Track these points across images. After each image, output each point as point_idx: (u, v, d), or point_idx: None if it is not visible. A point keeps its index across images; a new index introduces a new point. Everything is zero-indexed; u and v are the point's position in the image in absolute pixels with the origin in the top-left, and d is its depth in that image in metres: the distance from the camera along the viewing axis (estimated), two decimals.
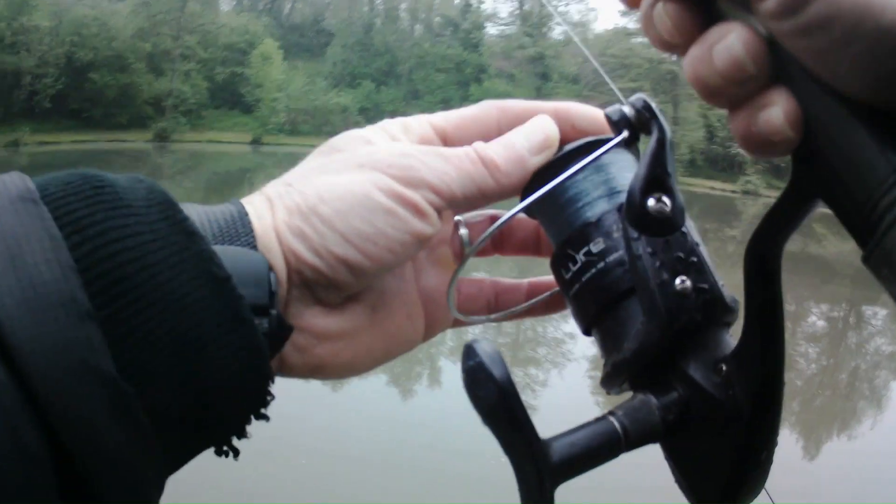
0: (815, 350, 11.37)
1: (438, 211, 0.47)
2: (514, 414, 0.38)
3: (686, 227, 0.44)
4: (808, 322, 13.53)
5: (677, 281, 0.42)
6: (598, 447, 0.41)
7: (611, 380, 0.46)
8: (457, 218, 0.56)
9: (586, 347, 9.02)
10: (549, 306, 0.58)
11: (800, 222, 0.36)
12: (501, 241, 0.59)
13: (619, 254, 0.45)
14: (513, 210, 0.49)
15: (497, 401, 0.37)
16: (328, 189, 0.45)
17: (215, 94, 38.91)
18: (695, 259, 0.43)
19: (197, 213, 0.44)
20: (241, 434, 0.42)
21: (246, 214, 0.45)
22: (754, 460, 0.41)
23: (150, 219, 0.38)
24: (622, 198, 0.45)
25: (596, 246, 0.46)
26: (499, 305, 0.58)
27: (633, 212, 0.43)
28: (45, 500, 0.32)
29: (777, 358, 0.39)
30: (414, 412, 7.02)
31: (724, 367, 0.41)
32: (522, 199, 0.50)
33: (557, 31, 44.68)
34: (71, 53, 32.83)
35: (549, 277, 0.54)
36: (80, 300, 0.34)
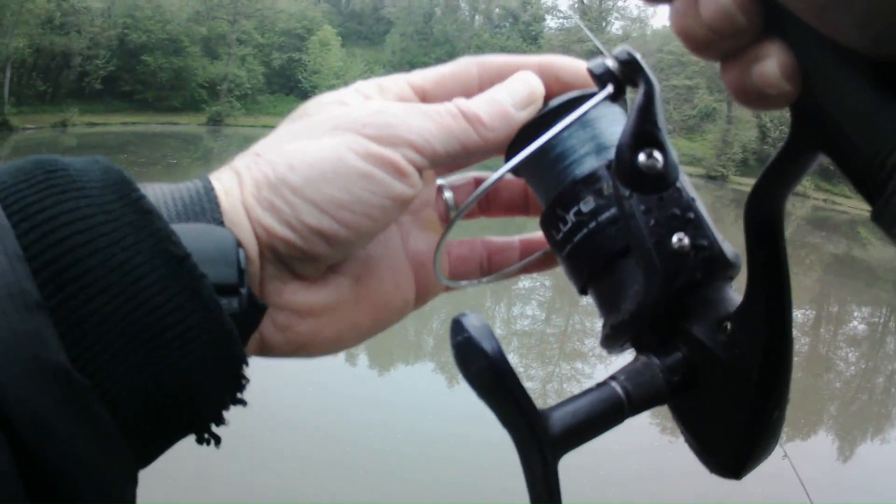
0: (854, 354, 11.38)
1: (419, 170, 0.44)
2: (508, 386, 0.36)
3: (680, 183, 0.42)
4: (849, 325, 13.53)
5: (674, 239, 0.41)
6: (600, 414, 0.40)
7: (610, 341, 0.45)
8: (439, 181, 0.55)
9: None
10: (543, 263, 0.56)
11: (801, 177, 0.35)
12: (488, 203, 0.57)
13: (612, 212, 0.44)
14: (501, 169, 0.46)
15: (489, 374, 0.36)
16: (298, 156, 0.43)
17: (271, 79, 39.37)
18: (691, 215, 0.42)
19: (161, 191, 0.42)
20: (219, 421, 0.40)
21: (212, 189, 0.42)
22: (766, 420, 0.39)
23: (104, 200, 0.36)
24: (611, 154, 0.44)
25: (586, 205, 0.45)
26: (492, 265, 0.56)
27: (623, 168, 0.42)
28: (11, 498, 0.31)
29: (783, 315, 0.38)
30: (457, 402, 7.07)
31: (728, 326, 0.40)
32: (507, 158, 0.48)
33: (616, 26, 44.74)
34: (123, 35, 33.20)
35: (540, 235, 0.53)
36: (27, 290, 0.32)
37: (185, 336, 0.36)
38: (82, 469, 0.33)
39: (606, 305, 0.46)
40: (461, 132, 0.45)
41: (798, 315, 12.89)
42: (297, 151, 0.43)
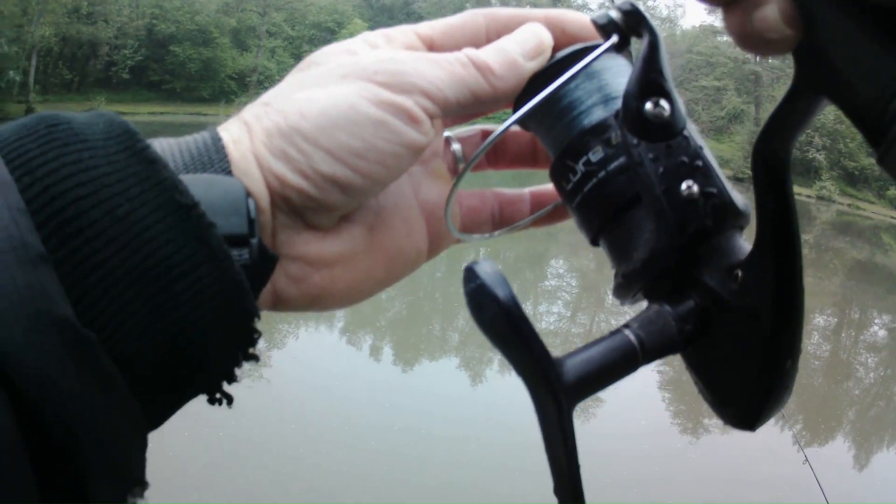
0: (874, 360, 11.38)
1: (431, 118, 0.44)
2: (523, 333, 0.36)
3: (688, 131, 0.43)
4: (869, 331, 13.51)
5: (683, 186, 0.41)
6: (613, 362, 0.40)
7: (622, 290, 0.45)
8: (447, 133, 0.54)
9: None
10: (554, 216, 0.57)
11: (808, 122, 0.35)
12: (495, 155, 0.57)
13: (620, 162, 0.44)
14: (511, 117, 0.46)
15: (503, 321, 0.36)
16: (310, 104, 0.42)
17: None
18: (700, 163, 0.42)
19: (167, 143, 0.41)
20: (231, 378, 0.39)
21: (220, 140, 0.41)
22: (779, 369, 0.40)
23: (108, 151, 0.35)
24: (618, 104, 0.44)
25: (595, 155, 0.45)
26: (503, 217, 0.56)
27: (630, 117, 0.42)
28: (14, 462, 0.30)
29: (793, 262, 0.38)
30: (484, 398, 7.02)
31: (739, 274, 0.40)
32: (515, 110, 0.48)
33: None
34: (152, 26, 33.29)
35: (551, 186, 0.54)
36: (31, 244, 0.31)
37: (195, 288, 0.35)
38: (88, 427, 0.32)
39: (618, 255, 0.46)
40: (472, 80, 0.45)
41: (820, 320, 12.88)
42: (308, 100, 0.42)
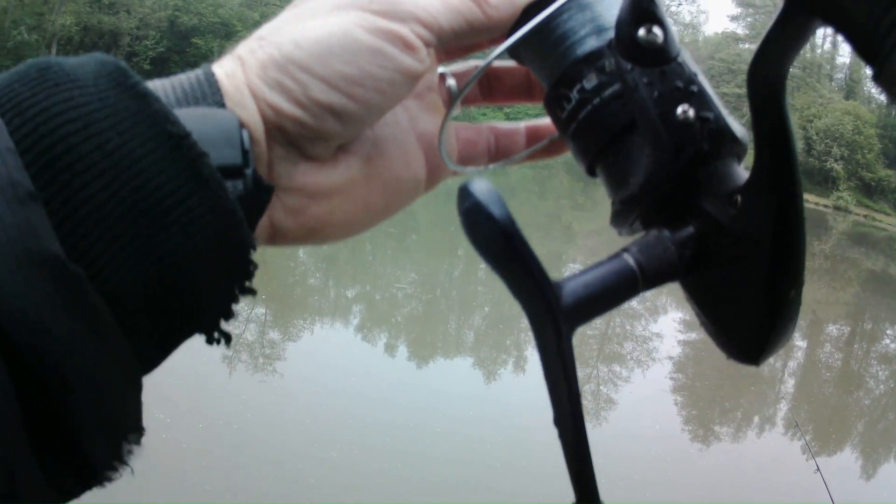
0: (885, 372, 11.36)
1: (427, 46, 0.44)
2: (520, 253, 0.34)
3: (682, 58, 0.43)
4: (881, 343, 13.48)
5: (678, 110, 0.41)
6: (613, 286, 0.39)
7: (620, 217, 0.45)
8: (441, 69, 0.54)
9: (671, 348, 9.21)
10: (549, 151, 0.57)
11: (801, 44, 0.35)
12: (490, 89, 0.57)
13: (615, 88, 0.44)
14: (503, 44, 0.46)
15: (499, 241, 0.34)
16: (305, 34, 0.42)
17: None
18: (695, 88, 0.42)
19: (159, 82, 0.41)
20: (228, 315, 0.39)
21: (212, 75, 0.41)
22: (783, 298, 0.39)
23: (99, 88, 0.35)
24: (611, 34, 0.44)
25: (589, 82, 0.45)
26: (499, 150, 0.56)
27: (623, 42, 0.42)
28: (4, 405, 0.29)
29: (793, 186, 0.38)
30: (497, 398, 6.95)
31: (738, 199, 0.40)
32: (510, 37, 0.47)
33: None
34: (174, 17, 33.20)
35: (546, 121, 0.54)
36: (19, 182, 0.31)
37: (187, 218, 0.34)
38: (78, 369, 0.31)
39: (614, 182, 0.45)
40: (466, 9, 0.45)
41: (833, 330, 12.88)
42: (303, 30, 0.42)
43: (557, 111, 0.47)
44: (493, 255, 0.35)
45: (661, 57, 0.42)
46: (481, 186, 0.34)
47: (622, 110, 0.44)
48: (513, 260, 0.35)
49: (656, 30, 0.42)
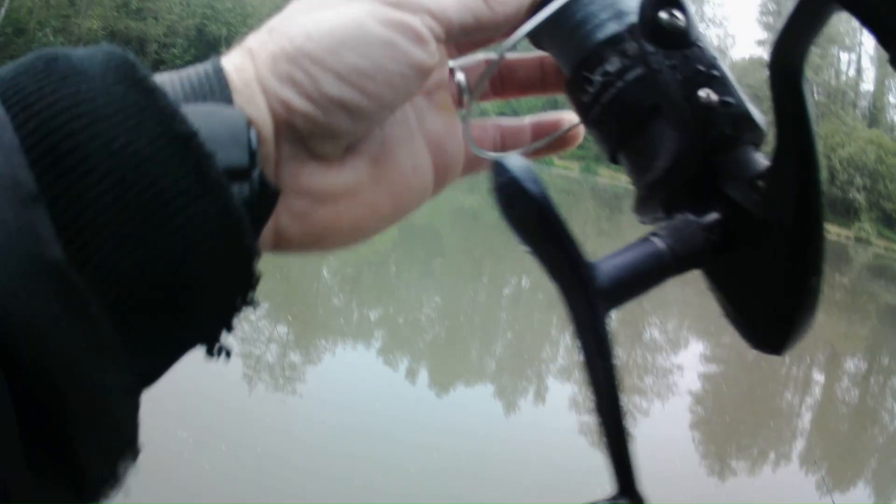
0: None
1: (437, 40, 0.43)
2: (555, 230, 0.33)
3: (703, 43, 0.43)
4: None
5: (701, 93, 0.41)
6: (647, 268, 0.39)
7: (645, 203, 0.45)
8: (451, 63, 0.53)
9: (691, 382, 9.14)
10: (554, 146, 0.56)
11: (820, 29, 0.35)
12: (502, 83, 0.56)
13: (638, 72, 0.43)
14: (520, 31, 0.45)
15: (534, 218, 0.33)
16: (317, 25, 0.40)
17: None
18: (716, 72, 0.42)
19: (167, 76, 0.39)
20: (229, 327, 0.37)
21: (221, 69, 0.40)
22: (806, 285, 0.39)
23: (107, 82, 0.34)
24: (631, 19, 0.44)
25: (612, 65, 0.44)
26: (504, 147, 0.55)
27: (646, 25, 0.43)
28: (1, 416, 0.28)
29: (813, 171, 0.38)
30: (517, 427, 6.93)
31: (761, 184, 0.40)
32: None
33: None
34: (202, 26, 33.35)
35: (551, 115, 0.53)
36: (23, 182, 0.29)
37: (192, 225, 0.33)
38: (75, 380, 0.30)
39: (639, 167, 0.45)
40: (473, 3, 0.44)
41: (850, 365, 12.84)
42: (314, 21, 0.41)
43: (580, 95, 0.47)
44: (527, 233, 0.34)
45: (683, 40, 0.43)
46: (517, 162, 0.33)
47: (645, 93, 0.43)
48: (548, 238, 0.34)
49: (678, 13, 0.43)
